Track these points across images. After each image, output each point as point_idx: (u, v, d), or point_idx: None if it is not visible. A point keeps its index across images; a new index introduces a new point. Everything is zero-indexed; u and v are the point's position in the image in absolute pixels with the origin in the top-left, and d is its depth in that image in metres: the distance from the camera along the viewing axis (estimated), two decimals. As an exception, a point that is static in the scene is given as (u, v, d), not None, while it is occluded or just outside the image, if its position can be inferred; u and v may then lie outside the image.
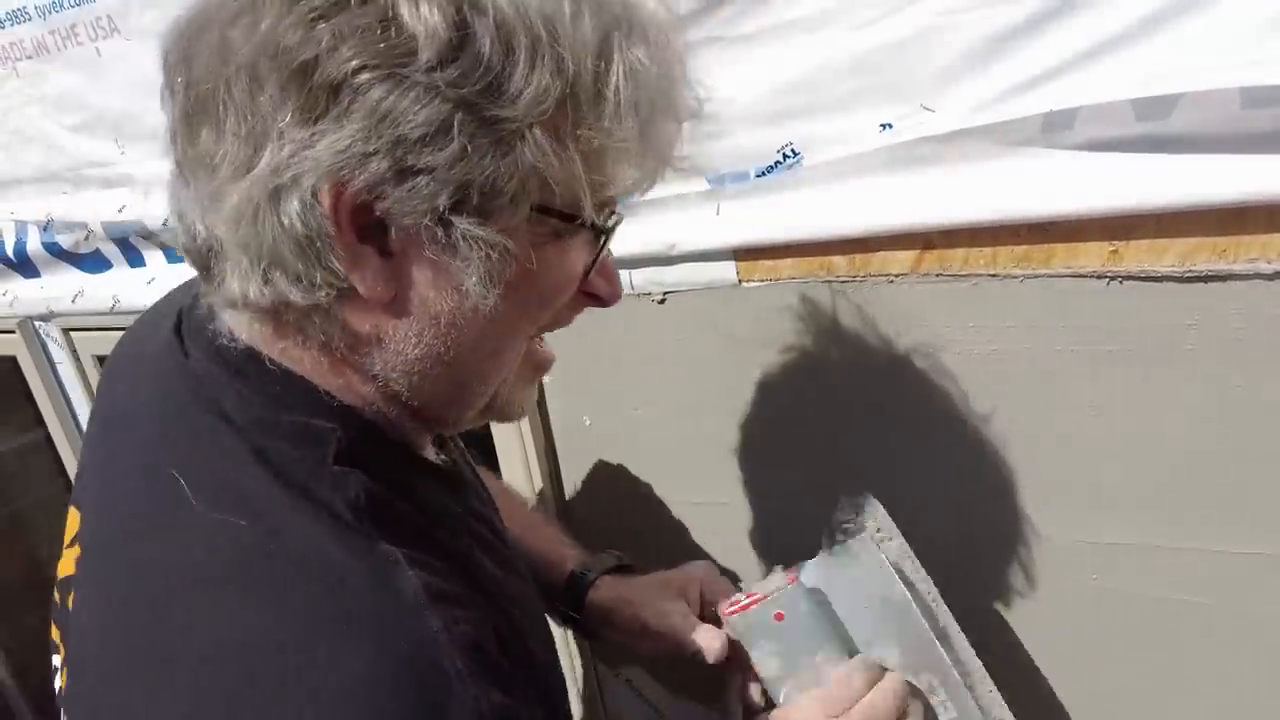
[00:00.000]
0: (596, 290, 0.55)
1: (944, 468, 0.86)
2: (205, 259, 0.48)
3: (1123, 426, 0.76)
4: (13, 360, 1.61)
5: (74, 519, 0.56)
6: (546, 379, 1.04)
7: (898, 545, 0.67)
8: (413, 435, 0.56)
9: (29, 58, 1.22)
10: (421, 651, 0.42)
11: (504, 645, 0.48)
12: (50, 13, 1.16)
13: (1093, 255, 0.72)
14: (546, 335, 0.60)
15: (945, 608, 0.67)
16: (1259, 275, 0.67)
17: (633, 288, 0.94)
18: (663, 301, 0.93)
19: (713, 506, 1.01)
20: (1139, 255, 0.70)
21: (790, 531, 0.97)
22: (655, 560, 1.08)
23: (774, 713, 0.65)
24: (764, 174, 0.80)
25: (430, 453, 0.60)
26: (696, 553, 1.05)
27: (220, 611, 0.42)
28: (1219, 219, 0.66)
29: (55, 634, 0.58)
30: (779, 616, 0.64)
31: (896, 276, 0.80)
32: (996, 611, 0.88)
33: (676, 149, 0.52)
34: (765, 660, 0.66)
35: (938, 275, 0.78)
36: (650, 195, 0.85)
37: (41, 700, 2.35)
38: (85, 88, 1.20)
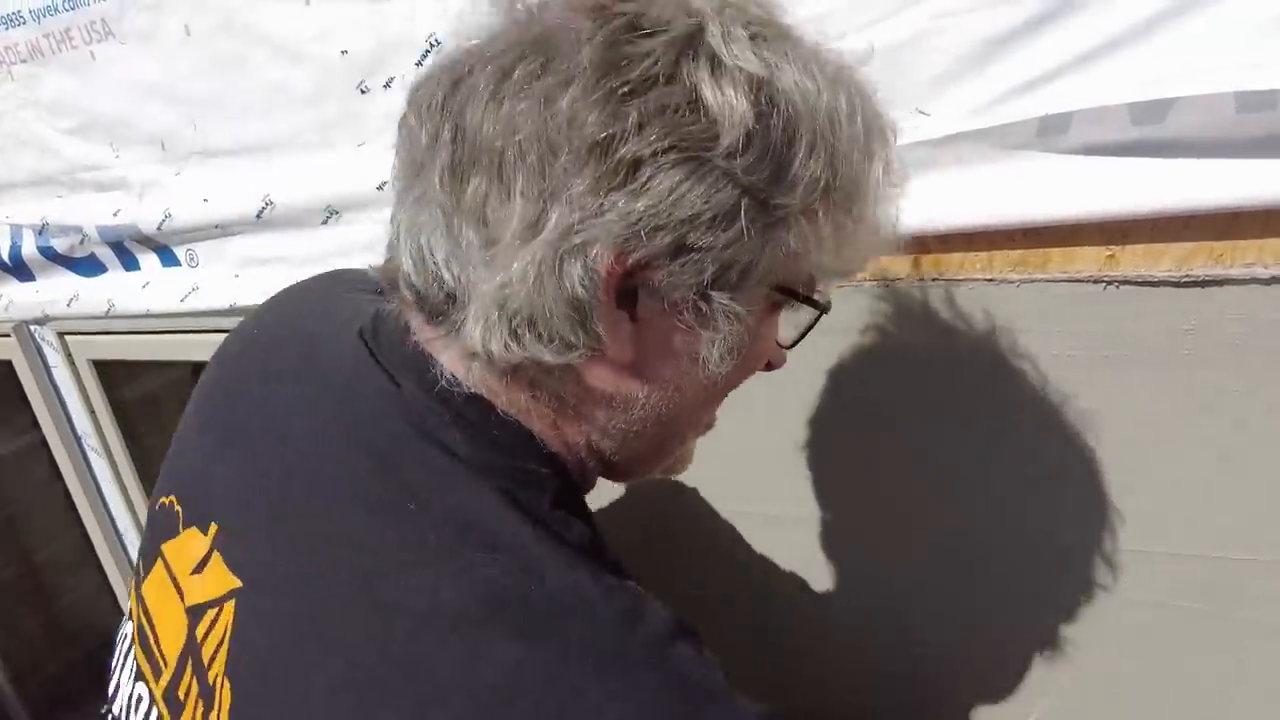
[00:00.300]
0: (774, 360, 0.58)
1: (940, 473, 0.85)
2: (442, 303, 0.48)
3: (1120, 431, 0.76)
4: (8, 364, 1.61)
5: (195, 537, 0.54)
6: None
7: None
8: (590, 482, 0.57)
9: (23, 61, 1.22)
10: (689, 679, 0.43)
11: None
12: (44, 16, 1.16)
13: (1089, 260, 0.72)
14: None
15: None
16: (1255, 280, 0.66)
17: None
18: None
19: (714, 507, 1.01)
20: (1135, 260, 0.70)
21: (792, 532, 0.96)
22: (661, 562, 1.07)
23: None
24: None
25: None
26: (696, 553, 1.05)
27: (482, 651, 0.42)
28: (1215, 223, 0.66)
29: (165, 664, 0.55)
30: None
31: (893, 281, 0.80)
32: (993, 613, 0.88)
33: (885, 244, 0.54)
34: None
35: (934, 280, 0.78)
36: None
37: (39, 705, 2.35)
38: (79, 91, 1.20)
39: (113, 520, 1.79)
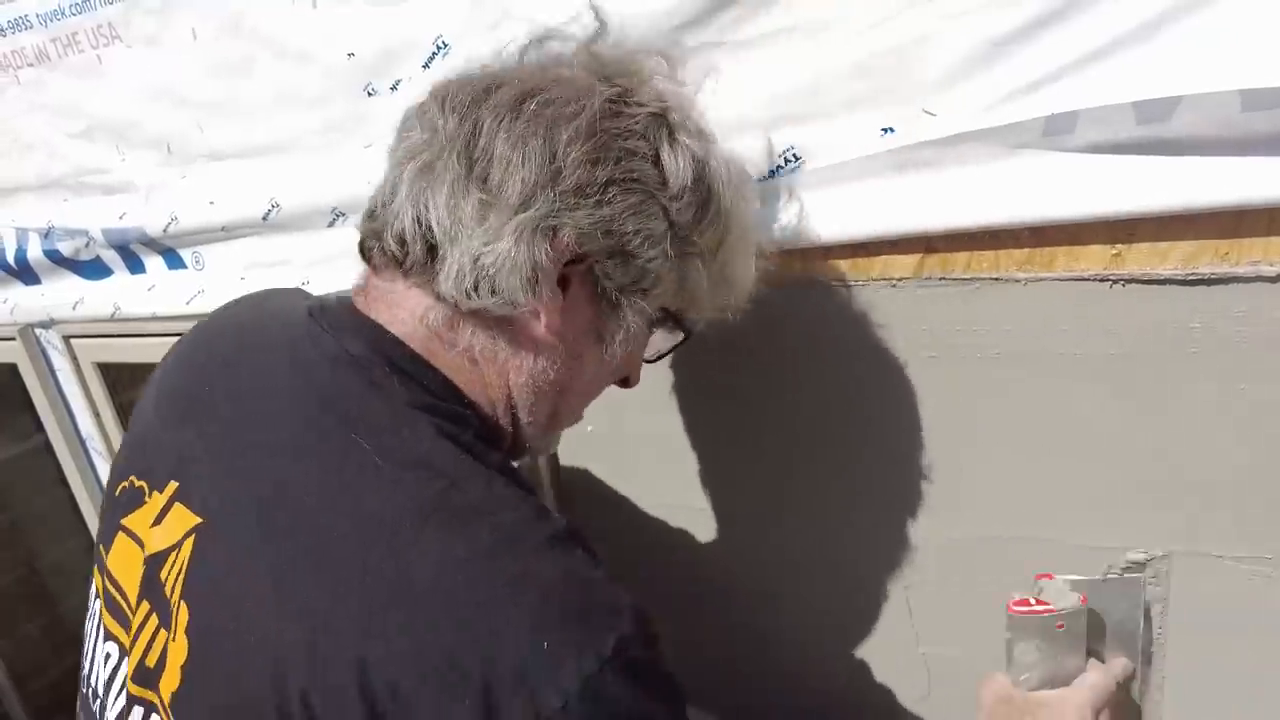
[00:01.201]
0: (632, 378, 0.73)
1: (947, 471, 0.85)
2: (422, 255, 0.60)
3: (1126, 429, 0.76)
4: (13, 367, 1.61)
5: (155, 499, 0.62)
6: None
7: (1152, 593, 0.80)
8: (506, 441, 0.67)
9: (30, 65, 1.23)
10: (585, 562, 0.55)
11: None
12: (52, 20, 1.16)
13: (1095, 258, 0.72)
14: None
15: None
16: (1261, 278, 0.67)
17: (634, 292, 0.94)
18: (664, 306, 0.93)
19: (718, 511, 1.01)
20: (1141, 258, 0.70)
21: (794, 534, 0.97)
22: (656, 562, 1.07)
23: (1060, 691, 0.76)
24: (766, 178, 0.80)
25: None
26: (698, 555, 1.05)
27: (416, 550, 0.52)
28: (1220, 222, 0.66)
29: (131, 613, 0.61)
30: (1060, 625, 0.76)
31: (899, 280, 0.80)
32: (992, 615, 0.88)
33: (739, 305, 0.72)
34: (1028, 652, 0.76)
35: (940, 279, 0.79)
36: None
37: (41, 709, 2.34)
38: (86, 95, 1.20)
39: (117, 523, 1.79)
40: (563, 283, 0.60)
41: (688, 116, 0.64)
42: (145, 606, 0.60)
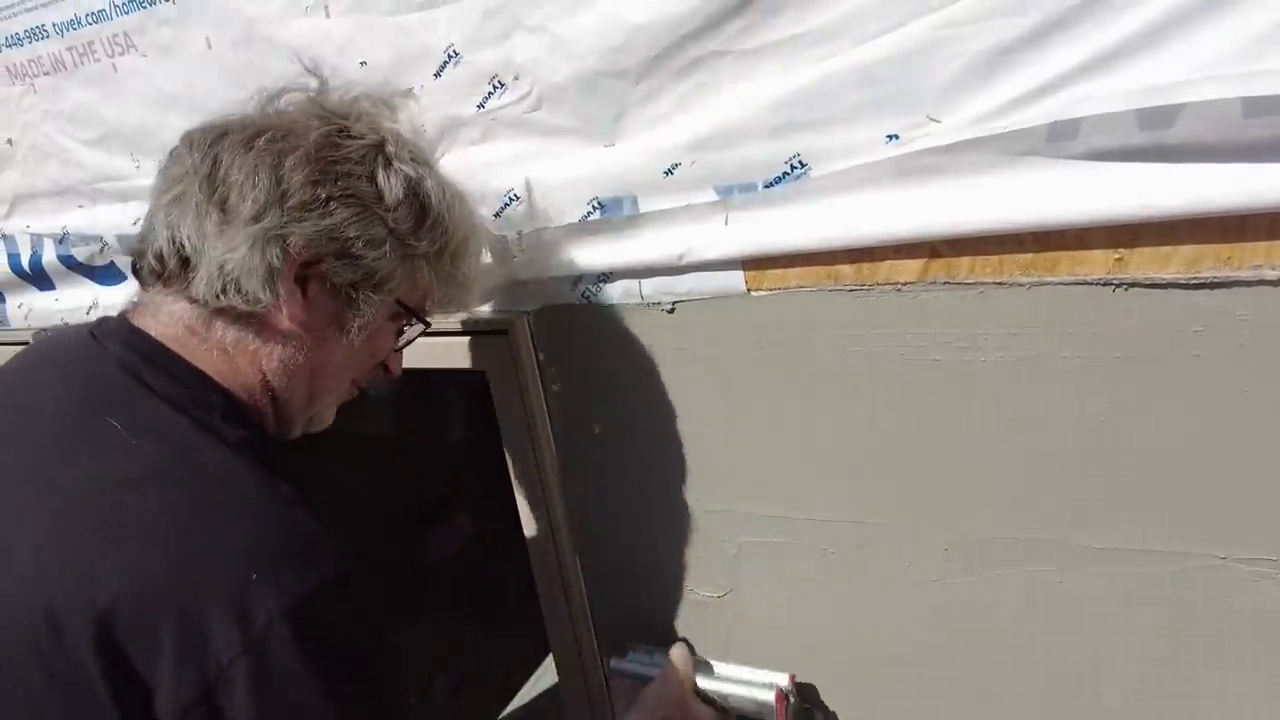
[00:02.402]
0: (391, 365, 0.88)
1: (951, 475, 0.86)
2: (178, 268, 0.73)
3: (1130, 432, 0.77)
4: (27, 372, 1.62)
5: None
6: (555, 388, 1.05)
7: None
8: (271, 422, 0.79)
9: (47, 74, 1.25)
10: (314, 520, 0.67)
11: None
12: (68, 30, 1.18)
13: (1098, 263, 0.73)
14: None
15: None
16: (1263, 281, 0.67)
17: (642, 297, 0.95)
18: (672, 311, 0.94)
19: (723, 514, 1.02)
20: (1144, 262, 0.71)
21: (798, 537, 0.97)
22: (663, 567, 1.08)
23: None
24: (772, 185, 0.81)
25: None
26: (702, 559, 1.05)
27: (146, 498, 0.64)
28: (1223, 226, 0.67)
29: None
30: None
31: (904, 285, 0.81)
32: (999, 617, 0.89)
33: (470, 298, 0.92)
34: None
35: (945, 283, 0.79)
36: (660, 206, 0.88)
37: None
38: (101, 103, 1.22)
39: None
40: (302, 282, 0.73)
41: (404, 147, 0.79)
42: None
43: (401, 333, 0.85)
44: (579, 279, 0.98)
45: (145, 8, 1.09)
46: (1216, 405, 0.73)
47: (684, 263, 0.89)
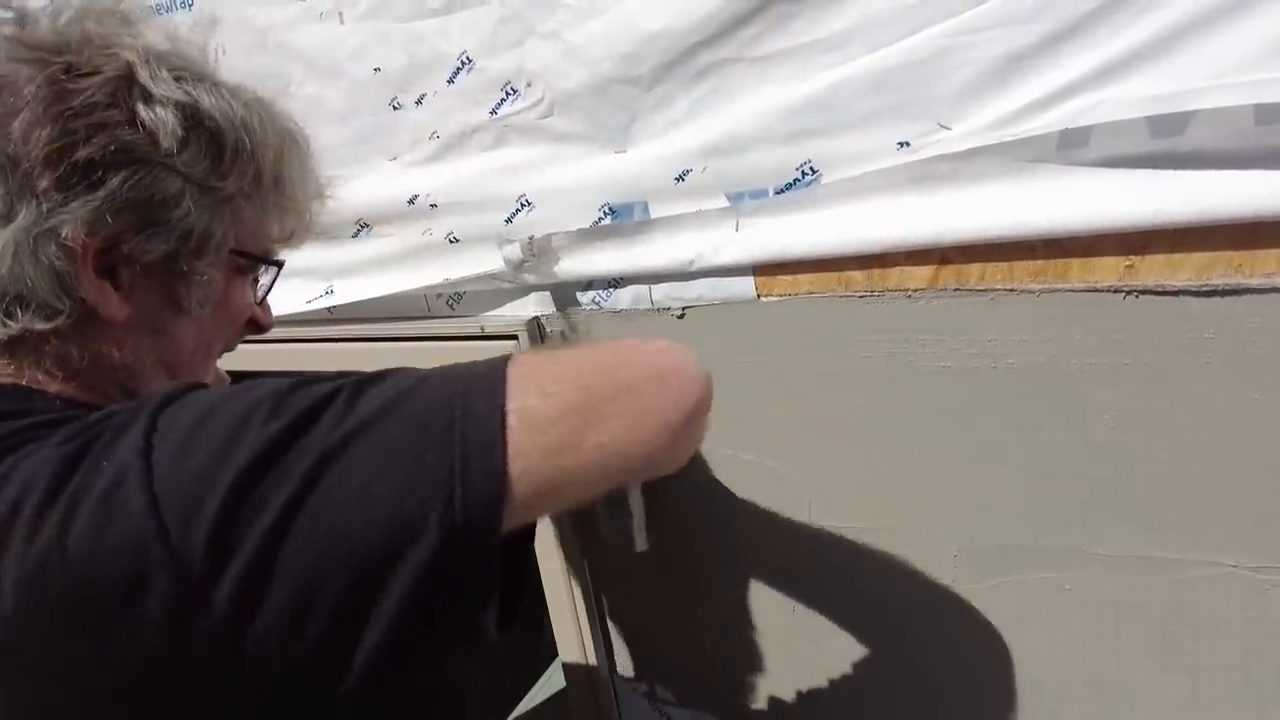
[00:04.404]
0: (258, 318, 0.74)
1: (960, 481, 0.86)
2: None
3: (1140, 440, 0.77)
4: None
5: None
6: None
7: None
8: None
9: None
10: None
11: None
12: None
13: (1108, 270, 0.73)
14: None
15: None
16: (1275, 289, 0.67)
17: (652, 303, 0.95)
18: (682, 316, 0.95)
19: (727, 517, 1.02)
20: (1154, 270, 0.71)
21: (806, 541, 0.97)
22: (671, 582, 1.08)
23: None
24: (783, 191, 0.82)
25: None
26: (708, 563, 1.06)
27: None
28: (1234, 234, 0.67)
29: None
30: None
31: (914, 291, 0.81)
32: (1004, 623, 0.89)
33: (316, 218, 0.76)
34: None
35: (955, 290, 0.80)
36: (671, 212, 0.88)
37: None
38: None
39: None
40: (109, 273, 0.59)
41: (160, 66, 0.59)
42: None
43: (257, 281, 0.72)
44: (589, 284, 0.99)
45: (159, 15, 1.11)
46: (1227, 413, 0.73)
47: (695, 268, 0.90)
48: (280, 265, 0.73)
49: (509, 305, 1.05)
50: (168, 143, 0.58)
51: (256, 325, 0.74)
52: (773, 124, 0.79)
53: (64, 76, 0.56)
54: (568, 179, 0.93)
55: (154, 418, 0.49)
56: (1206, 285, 0.69)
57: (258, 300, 0.74)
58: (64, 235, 0.55)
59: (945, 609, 0.92)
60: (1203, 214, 0.66)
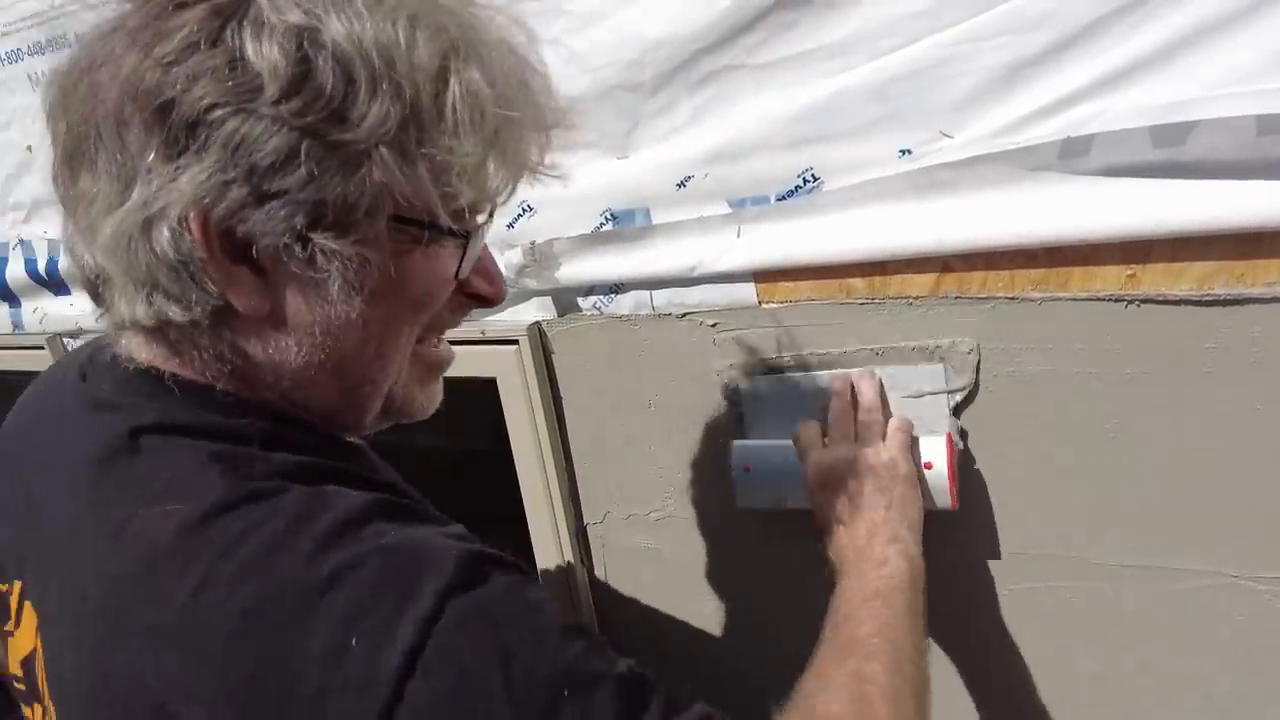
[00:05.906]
0: (478, 290, 0.60)
1: (961, 489, 0.86)
2: (96, 287, 0.54)
3: (1141, 449, 0.77)
4: (41, 376, 1.64)
5: (14, 597, 0.58)
6: (564, 395, 1.06)
7: None
8: (339, 422, 0.59)
9: (67, 82, 1.26)
10: (381, 527, 0.48)
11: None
12: (89, 39, 1.20)
13: (1110, 278, 0.73)
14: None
15: None
16: (1276, 299, 0.67)
17: (653, 308, 0.95)
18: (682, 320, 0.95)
19: (732, 519, 1.02)
20: (1156, 279, 0.71)
21: (808, 546, 0.97)
22: (674, 582, 1.08)
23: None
24: (784, 198, 0.82)
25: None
26: (712, 567, 1.05)
27: (180, 582, 0.46)
28: (1236, 243, 0.67)
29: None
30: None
31: (915, 299, 0.81)
32: (1007, 631, 0.88)
33: (540, 157, 0.57)
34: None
35: (956, 298, 0.80)
36: (673, 218, 0.88)
37: None
38: (121, 111, 1.23)
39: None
40: (245, 258, 0.49)
41: None
42: (39, 709, 0.58)
43: (466, 245, 0.55)
44: (591, 289, 0.99)
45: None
46: (1228, 423, 0.72)
47: (696, 274, 0.90)
48: (462, 236, 0.54)
49: (510, 310, 1.05)
50: (275, 87, 0.45)
51: (480, 299, 0.60)
52: (774, 131, 0.80)
53: (163, 10, 0.46)
54: (570, 184, 0.93)
55: (441, 603, 0.45)
56: (1208, 295, 0.69)
57: (459, 274, 0.56)
58: (173, 218, 0.47)
59: (948, 617, 0.91)
60: (1205, 223, 0.66)
